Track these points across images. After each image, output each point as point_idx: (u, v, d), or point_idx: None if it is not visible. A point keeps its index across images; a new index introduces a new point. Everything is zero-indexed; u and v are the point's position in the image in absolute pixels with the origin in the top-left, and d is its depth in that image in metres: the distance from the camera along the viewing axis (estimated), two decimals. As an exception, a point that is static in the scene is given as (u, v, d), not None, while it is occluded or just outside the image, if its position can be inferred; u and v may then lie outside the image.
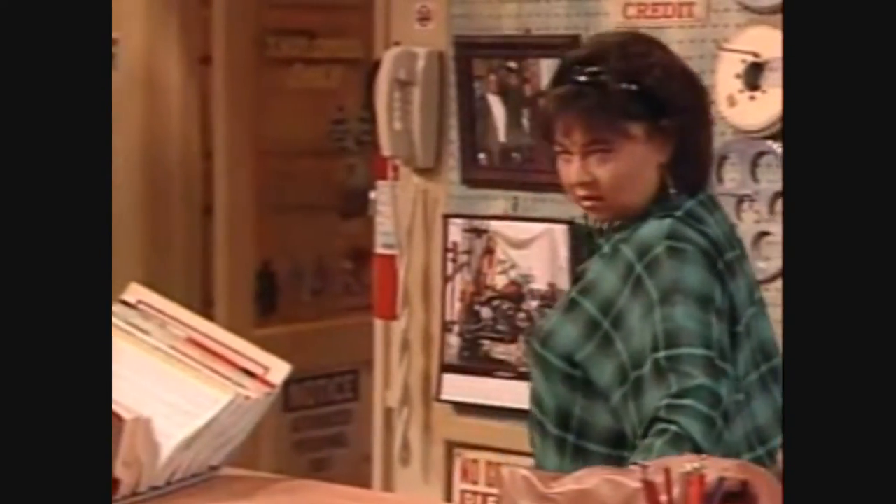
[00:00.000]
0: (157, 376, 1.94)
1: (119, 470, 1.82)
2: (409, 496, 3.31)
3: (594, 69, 2.05)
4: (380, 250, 3.51)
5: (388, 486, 3.52)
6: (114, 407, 1.81)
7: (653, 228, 2.02)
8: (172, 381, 1.94)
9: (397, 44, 3.45)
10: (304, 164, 4.32)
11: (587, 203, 2.10)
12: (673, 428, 1.88)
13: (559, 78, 2.11)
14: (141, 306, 2.05)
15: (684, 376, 1.91)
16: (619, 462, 1.97)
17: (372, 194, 3.53)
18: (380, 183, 3.50)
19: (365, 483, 3.53)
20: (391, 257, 3.47)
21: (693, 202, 2.06)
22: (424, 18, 3.49)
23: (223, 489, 1.96)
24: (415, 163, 3.42)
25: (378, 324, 3.55)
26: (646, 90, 2.04)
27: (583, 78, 2.05)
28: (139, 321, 2.02)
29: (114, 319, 2.01)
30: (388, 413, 3.53)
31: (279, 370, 2.01)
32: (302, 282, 4.41)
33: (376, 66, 3.42)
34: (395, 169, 3.47)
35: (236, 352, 2.02)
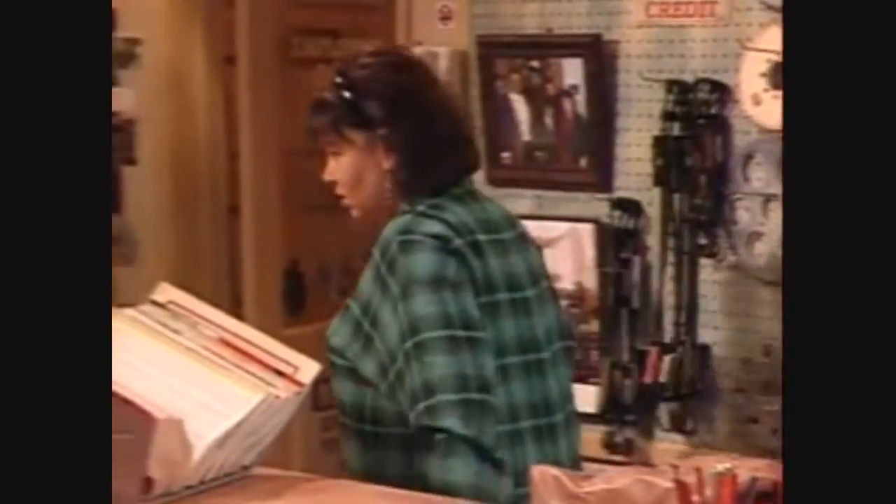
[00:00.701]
0: (188, 376, 1.95)
1: (153, 469, 1.83)
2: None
3: (338, 80, 2.25)
4: (405, 249, 3.52)
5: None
6: (147, 406, 1.82)
7: (390, 227, 2.18)
8: (204, 381, 1.95)
9: (419, 44, 3.46)
10: (330, 163, 4.33)
11: (341, 201, 2.32)
12: (440, 436, 2.04)
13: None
14: (171, 306, 2.05)
15: (427, 366, 2.06)
16: (410, 441, 2.11)
17: (397, 193, 3.53)
18: (405, 182, 3.51)
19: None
20: (417, 256, 3.47)
21: (442, 197, 2.21)
22: (446, 18, 3.50)
23: (256, 488, 1.97)
24: (439, 162, 3.43)
25: (404, 323, 3.55)
26: (362, 102, 2.22)
27: (329, 87, 2.26)
28: (169, 321, 2.03)
29: (144, 319, 2.02)
30: (415, 411, 3.53)
31: (309, 369, 2.02)
32: (329, 281, 4.43)
33: (400, 65, 3.42)
34: (420, 168, 3.48)
35: (267, 351, 2.03)
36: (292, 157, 4.24)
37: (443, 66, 3.40)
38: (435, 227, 2.15)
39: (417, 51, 3.40)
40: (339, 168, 2.28)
